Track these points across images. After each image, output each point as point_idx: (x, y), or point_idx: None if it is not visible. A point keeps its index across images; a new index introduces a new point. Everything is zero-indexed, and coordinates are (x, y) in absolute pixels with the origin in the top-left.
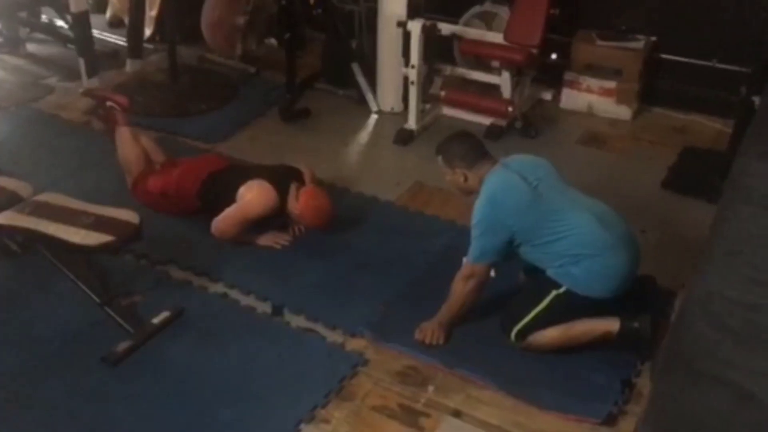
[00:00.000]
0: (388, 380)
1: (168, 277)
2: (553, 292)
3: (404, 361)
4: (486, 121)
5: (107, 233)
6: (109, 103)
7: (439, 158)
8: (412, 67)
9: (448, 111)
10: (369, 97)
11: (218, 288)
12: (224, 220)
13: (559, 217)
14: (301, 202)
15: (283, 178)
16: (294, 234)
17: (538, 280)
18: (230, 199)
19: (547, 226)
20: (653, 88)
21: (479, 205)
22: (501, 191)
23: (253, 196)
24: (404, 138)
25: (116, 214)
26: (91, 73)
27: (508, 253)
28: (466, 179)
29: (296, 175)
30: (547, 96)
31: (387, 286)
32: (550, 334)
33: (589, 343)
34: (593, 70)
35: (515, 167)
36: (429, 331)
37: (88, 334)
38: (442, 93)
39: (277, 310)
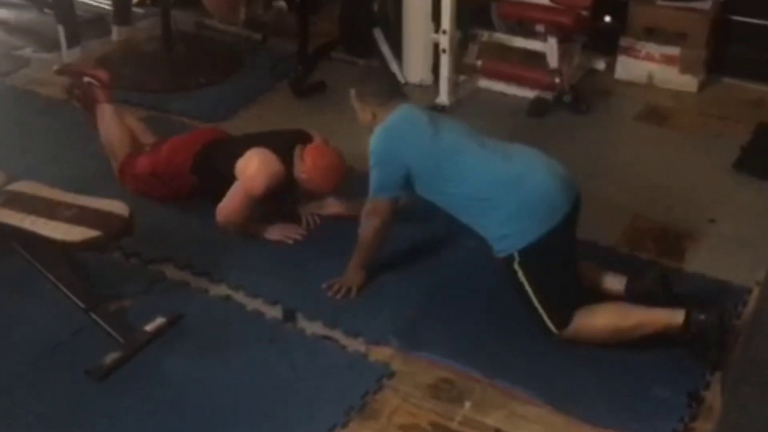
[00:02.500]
0: (419, 395)
1: (163, 278)
2: (517, 268)
3: (437, 372)
4: (529, 94)
5: (92, 227)
6: (87, 79)
7: (352, 92)
8: (444, 32)
9: (485, 83)
10: (394, 67)
11: (221, 290)
12: (229, 204)
13: (457, 159)
14: (307, 163)
15: (285, 142)
16: (308, 227)
17: (503, 270)
18: (228, 173)
19: (448, 170)
20: (723, 55)
21: (375, 135)
22: (399, 124)
23: (254, 169)
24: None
25: (103, 206)
26: (72, 42)
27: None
28: (374, 117)
29: (302, 138)
30: (600, 65)
31: (416, 286)
32: (605, 321)
33: (646, 336)
34: (653, 34)
35: (419, 107)
36: (337, 285)
37: (70, 344)
38: (479, 63)
39: (289, 316)
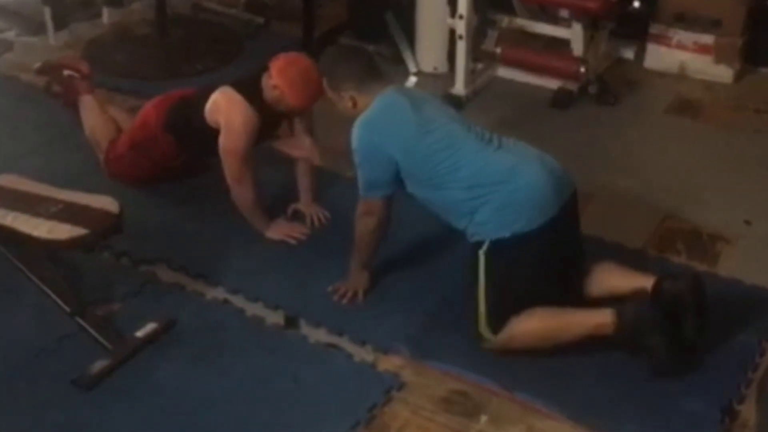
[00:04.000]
0: (430, 408)
1: (155, 280)
2: (481, 255)
3: (450, 383)
4: (553, 84)
5: (79, 225)
6: (66, 72)
7: (324, 81)
8: (461, 17)
9: (504, 72)
10: (407, 54)
11: (218, 293)
12: (226, 164)
13: (447, 151)
14: (274, 76)
15: (245, 77)
16: (312, 225)
17: (467, 258)
18: (199, 125)
19: (437, 163)
20: (761, 44)
21: (355, 130)
22: (381, 114)
23: (225, 121)
24: (451, 105)
25: (90, 201)
26: (59, 25)
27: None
28: (355, 104)
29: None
30: (629, 54)
31: (428, 291)
32: (528, 325)
33: (582, 339)
34: (686, 21)
35: (408, 93)
36: (343, 288)
37: (55, 351)
38: (498, 50)
39: (292, 322)
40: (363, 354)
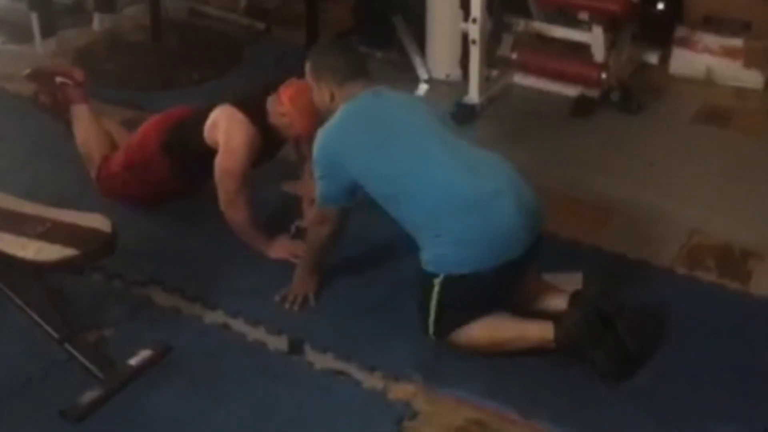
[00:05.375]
0: None
1: (150, 303)
2: (436, 283)
3: (466, 412)
4: (572, 91)
5: (69, 245)
6: (59, 79)
7: (308, 65)
8: (474, 21)
9: (521, 79)
10: (417, 61)
11: (217, 317)
12: (221, 186)
13: (410, 165)
14: (284, 103)
15: (250, 94)
16: None
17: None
18: (198, 145)
19: (396, 176)
20: None
21: (318, 140)
22: (344, 126)
23: (224, 141)
24: (464, 115)
25: (81, 220)
26: (47, 32)
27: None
28: (332, 98)
29: (273, 89)
30: (653, 59)
31: None
32: (474, 333)
33: (526, 351)
34: (713, 23)
35: (385, 98)
36: (291, 295)
37: (42, 380)
38: (514, 55)
39: (296, 347)
40: (372, 381)
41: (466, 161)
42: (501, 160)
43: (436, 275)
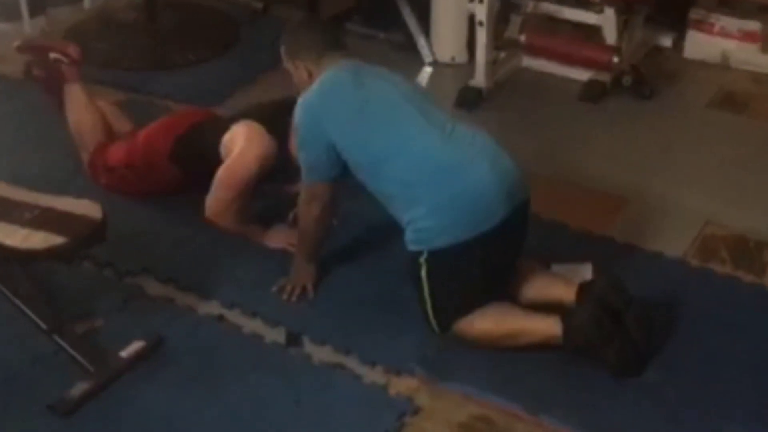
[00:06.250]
0: None
1: (142, 294)
2: (422, 262)
3: (470, 408)
4: (583, 75)
5: (58, 233)
6: (53, 55)
7: (282, 48)
8: (481, 1)
9: (529, 62)
10: (421, 42)
11: (211, 308)
12: (217, 191)
13: (385, 131)
14: None
15: (277, 113)
16: None
17: (406, 259)
18: (212, 158)
19: (371, 143)
20: None
21: (297, 108)
22: (323, 93)
23: (242, 146)
24: (470, 99)
25: (70, 207)
26: (35, 10)
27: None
28: (310, 75)
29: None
30: (667, 42)
31: None
32: (478, 325)
33: (532, 345)
34: (730, 5)
35: (363, 67)
36: (289, 286)
37: (29, 373)
38: (522, 37)
39: (294, 339)
40: (373, 375)
41: (442, 128)
42: (477, 128)
43: (420, 253)
